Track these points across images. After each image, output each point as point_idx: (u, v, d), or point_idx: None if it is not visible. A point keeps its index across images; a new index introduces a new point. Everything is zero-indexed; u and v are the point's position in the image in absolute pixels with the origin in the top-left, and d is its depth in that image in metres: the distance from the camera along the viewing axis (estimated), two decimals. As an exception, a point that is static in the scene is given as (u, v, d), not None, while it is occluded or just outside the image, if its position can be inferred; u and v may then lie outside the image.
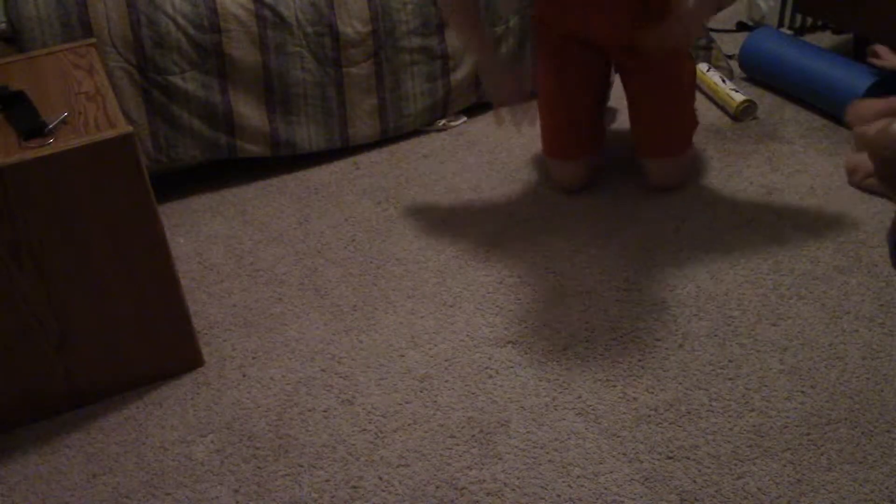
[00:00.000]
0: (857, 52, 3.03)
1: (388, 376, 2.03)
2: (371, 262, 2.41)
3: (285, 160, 2.83)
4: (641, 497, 1.71)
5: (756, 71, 3.10)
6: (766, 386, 1.93)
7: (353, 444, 1.87)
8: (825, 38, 3.36)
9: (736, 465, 1.76)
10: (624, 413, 1.89)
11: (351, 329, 2.18)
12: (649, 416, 1.88)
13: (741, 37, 3.39)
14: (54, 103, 1.90)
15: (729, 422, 1.85)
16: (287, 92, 2.74)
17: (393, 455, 1.84)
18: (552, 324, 2.14)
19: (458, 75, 2.96)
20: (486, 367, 2.03)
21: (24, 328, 1.86)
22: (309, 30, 2.70)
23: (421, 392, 1.98)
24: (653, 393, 1.94)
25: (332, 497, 1.76)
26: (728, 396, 1.91)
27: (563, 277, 2.29)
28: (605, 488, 1.73)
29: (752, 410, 1.88)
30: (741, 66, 3.15)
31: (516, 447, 1.83)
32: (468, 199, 2.54)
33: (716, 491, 1.71)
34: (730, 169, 2.67)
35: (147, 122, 2.62)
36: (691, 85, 2.52)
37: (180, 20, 2.56)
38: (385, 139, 2.94)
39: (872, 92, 2.59)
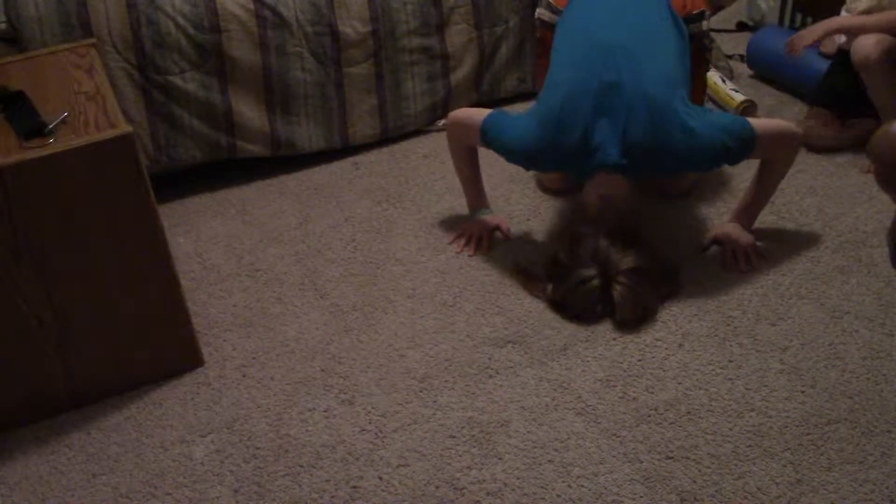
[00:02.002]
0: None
1: (388, 376, 2.03)
2: (371, 262, 2.41)
3: (285, 160, 2.83)
4: (641, 497, 1.71)
5: (764, 69, 3.11)
6: (766, 386, 1.93)
7: (353, 444, 1.87)
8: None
9: (736, 465, 1.76)
10: (624, 413, 1.89)
11: (351, 329, 2.18)
12: (649, 416, 1.88)
13: (741, 37, 3.40)
14: (54, 103, 1.90)
15: (729, 422, 1.85)
16: (287, 92, 2.74)
17: (393, 455, 1.84)
18: (552, 324, 2.14)
19: (458, 75, 2.96)
20: (486, 367, 2.03)
21: (24, 328, 1.86)
22: (309, 30, 2.70)
23: (421, 392, 1.98)
24: (653, 393, 1.94)
25: (332, 497, 1.76)
26: (728, 396, 1.91)
27: (563, 277, 2.29)
28: (605, 488, 1.73)
29: (752, 410, 1.88)
30: (749, 62, 3.16)
31: (516, 447, 1.83)
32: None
33: (716, 491, 1.71)
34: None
35: (147, 122, 2.62)
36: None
37: (180, 20, 2.56)
38: (385, 139, 2.94)
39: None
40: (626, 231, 2.15)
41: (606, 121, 2.06)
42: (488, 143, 2.26)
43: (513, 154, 2.23)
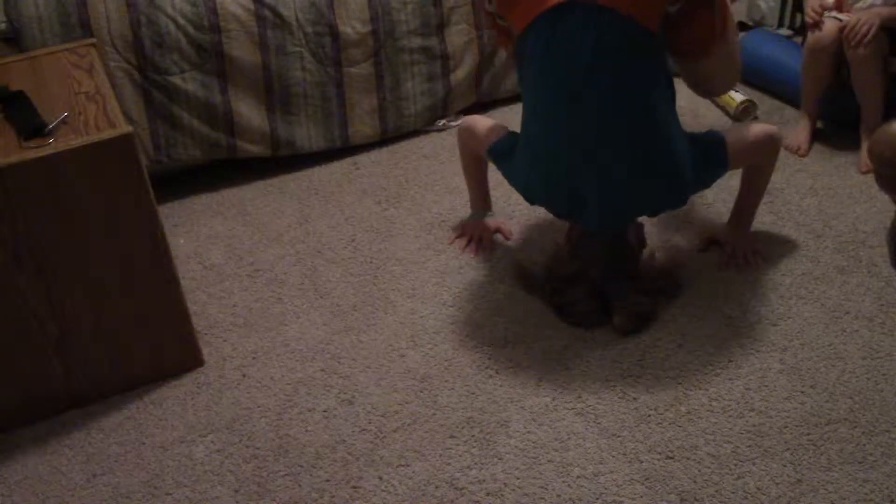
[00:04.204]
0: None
1: (388, 376, 2.03)
2: (371, 262, 2.41)
3: (285, 160, 2.83)
4: (641, 497, 1.71)
5: (750, 73, 3.11)
6: (766, 386, 1.93)
7: (353, 444, 1.87)
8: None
9: (736, 465, 1.76)
10: (624, 413, 1.89)
11: (351, 329, 2.18)
12: (649, 416, 1.88)
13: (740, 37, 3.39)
14: (54, 103, 1.90)
15: (729, 422, 1.85)
16: (287, 92, 2.74)
17: (393, 455, 1.84)
18: (552, 324, 2.14)
19: (458, 75, 2.96)
20: (486, 367, 2.03)
21: (24, 328, 1.86)
22: (309, 30, 2.70)
23: (421, 392, 1.98)
24: (653, 393, 1.94)
25: (332, 497, 1.76)
26: (728, 396, 1.91)
27: (563, 277, 2.29)
28: (605, 488, 1.73)
29: (752, 410, 1.88)
30: None
31: (516, 447, 1.83)
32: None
33: (716, 491, 1.71)
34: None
35: (147, 122, 2.62)
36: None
37: (180, 20, 2.56)
38: (385, 139, 2.94)
39: None
40: (625, 252, 2.15)
41: (594, 185, 2.00)
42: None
43: (514, 187, 2.23)
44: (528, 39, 1.97)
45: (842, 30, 2.55)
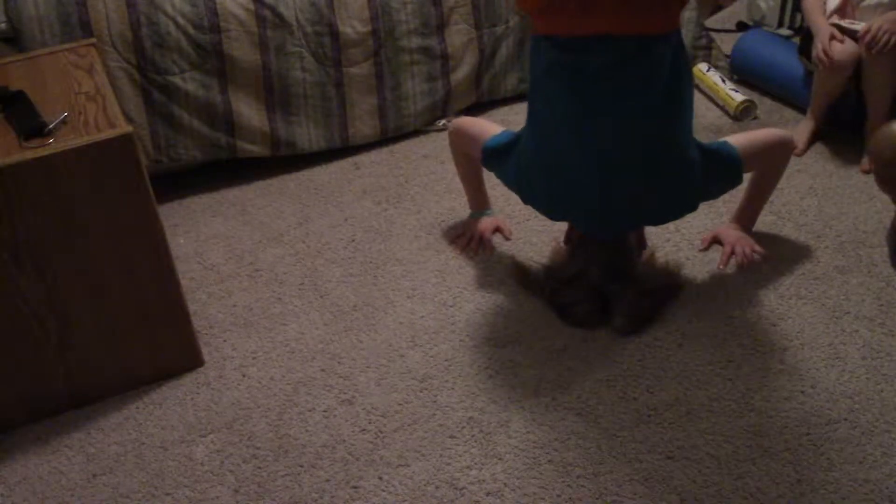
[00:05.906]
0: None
1: (388, 376, 2.03)
2: (371, 262, 2.41)
3: (285, 160, 2.83)
4: (641, 497, 1.71)
5: (748, 74, 3.11)
6: (766, 386, 1.93)
7: (353, 444, 1.87)
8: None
9: (736, 465, 1.76)
10: (624, 413, 1.89)
11: (351, 329, 2.18)
12: (649, 416, 1.88)
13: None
14: (54, 103, 1.90)
15: (729, 422, 1.85)
16: (287, 92, 2.74)
17: (393, 455, 1.84)
18: (552, 324, 2.14)
19: (458, 75, 2.96)
20: (486, 367, 2.03)
21: (24, 328, 1.86)
22: (309, 30, 2.70)
23: (421, 392, 1.98)
24: (653, 393, 1.94)
25: (332, 497, 1.76)
26: (728, 396, 1.91)
27: (563, 277, 2.29)
28: (605, 488, 1.73)
29: (752, 410, 1.88)
30: (733, 68, 3.15)
31: (516, 447, 1.83)
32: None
33: (716, 491, 1.71)
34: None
35: (147, 122, 2.62)
36: None
37: (180, 20, 2.56)
38: (385, 139, 2.94)
39: None
40: (625, 253, 2.15)
41: (595, 196, 1.99)
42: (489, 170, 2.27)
43: (508, 187, 2.23)
44: (539, 41, 1.97)
45: (858, 39, 2.53)
